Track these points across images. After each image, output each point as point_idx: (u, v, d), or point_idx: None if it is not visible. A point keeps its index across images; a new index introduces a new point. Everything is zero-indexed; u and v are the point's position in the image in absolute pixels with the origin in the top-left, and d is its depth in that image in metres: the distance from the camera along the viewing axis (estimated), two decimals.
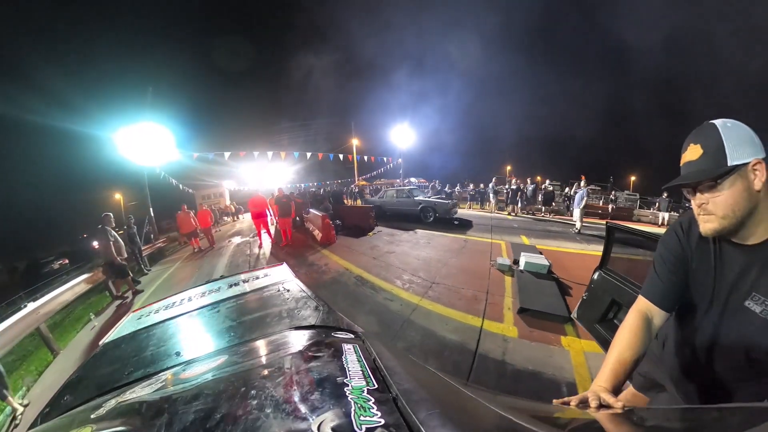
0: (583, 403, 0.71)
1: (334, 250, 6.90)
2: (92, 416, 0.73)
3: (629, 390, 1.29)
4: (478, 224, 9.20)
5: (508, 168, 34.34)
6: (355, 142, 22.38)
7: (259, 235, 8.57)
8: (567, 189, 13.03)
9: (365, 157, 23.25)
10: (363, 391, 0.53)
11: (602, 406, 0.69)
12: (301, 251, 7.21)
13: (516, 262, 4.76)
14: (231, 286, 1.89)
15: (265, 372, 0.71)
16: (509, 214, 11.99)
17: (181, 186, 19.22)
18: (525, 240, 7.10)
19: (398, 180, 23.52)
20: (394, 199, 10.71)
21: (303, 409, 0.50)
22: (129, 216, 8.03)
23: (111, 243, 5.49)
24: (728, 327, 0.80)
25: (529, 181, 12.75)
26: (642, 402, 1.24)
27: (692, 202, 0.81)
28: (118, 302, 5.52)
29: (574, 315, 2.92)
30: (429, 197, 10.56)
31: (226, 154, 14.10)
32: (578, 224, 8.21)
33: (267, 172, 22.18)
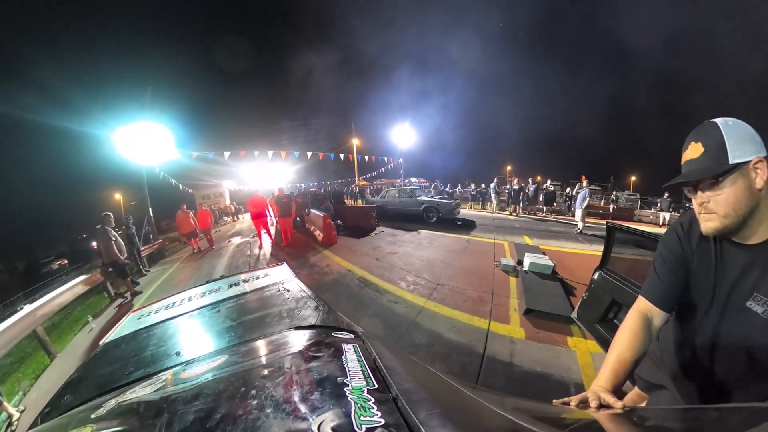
0: (583, 403, 0.71)
1: (336, 250, 6.86)
2: (92, 416, 0.73)
3: (634, 391, 1.29)
4: (480, 224, 9.18)
5: (509, 168, 34.37)
6: (355, 141, 22.42)
7: (259, 235, 8.53)
8: (568, 189, 13.03)
9: (366, 157, 23.30)
10: (363, 391, 0.53)
11: (602, 406, 0.69)
12: (302, 252, 7.18)
13: (520, 262, 4.75)
14: (231, 286, 1.89)
15: (265, 372, 0.71)
16: (511, 214, 11.97)
17: (180, 186, 19.23)
18: (528, 240, 7.09)
19: (399, 180, 23.55)
20: (396, 199, 10.67)
21: (303, 409, 0.50)
22: (128, 216, 8.03)
23: (112, 242, 5.47)
24: (729, 327, 0.80)
25: (530, 181, 12.76)
26: (642, 402, 1.24)
27: (693, 201, 0.80)
28: (116, 303, 5.51)
29: (574, 315, 2.92)
30: (431, 197, 10.53)
31: (226, 154, 14.13)
32: (580, 224, 8.22)
33: (267, 172, 22.20)
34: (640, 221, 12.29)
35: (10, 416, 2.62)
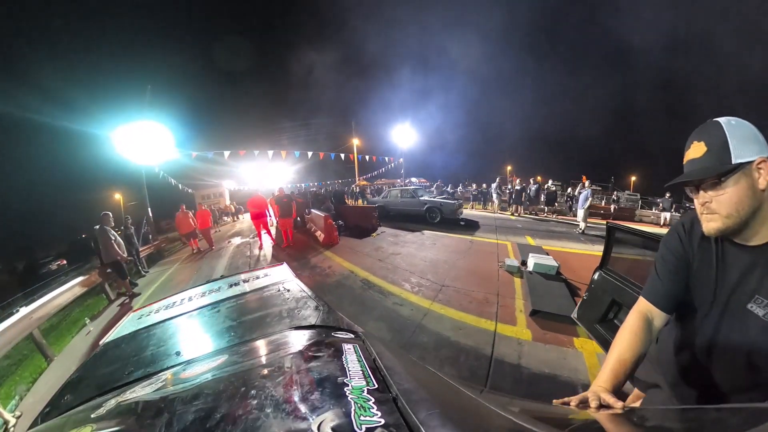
0: (583, 403, 0.71)
1: (337, 251, 6.83)
2: (92, 416, 0.73)
3: (635, 392, 1.29)
4: (482, 225, 9.19)
5: (509, 168, 34.38)
6: (355, 141, 22.42)
7: (259, 236, 8.50)
8: (569, 189, 13.02)
9: (366, 157, 23.30)
10: (363, 391, 0.53)
11: (602, 406, 0.68)
12: (303, 253, 7.14)
13: (524, 263, 4.73)
14: (231, 285, 1.89)
15: (265, 372, 0.71)
16: (512, 214, 11.99)
17: (180, 186, 19.24)
18: (530, 240, 7.08)
19: (399, 180, 23.55)
20: (398, 199, 10.64)
21: (303, 408, 0.50)
22: (126, 216, 8.01)
23: (112, 242, 5.44)
24: (728, 329, 0.79)
25: (531, 181, 12.75)
26: (637, 401, 1.24)
27: (695, 200, 0.80)
28: (115, 305, 5.46)
29: (574, 315, 2.91)
30: (434, 197, 10.51)
31: (226, 153, 14.10)
32: (582, 225, 8.23)
33: (267, 172, 22.19)
34: (641, 221, 12.29)
35: (6, 422, 2.55)
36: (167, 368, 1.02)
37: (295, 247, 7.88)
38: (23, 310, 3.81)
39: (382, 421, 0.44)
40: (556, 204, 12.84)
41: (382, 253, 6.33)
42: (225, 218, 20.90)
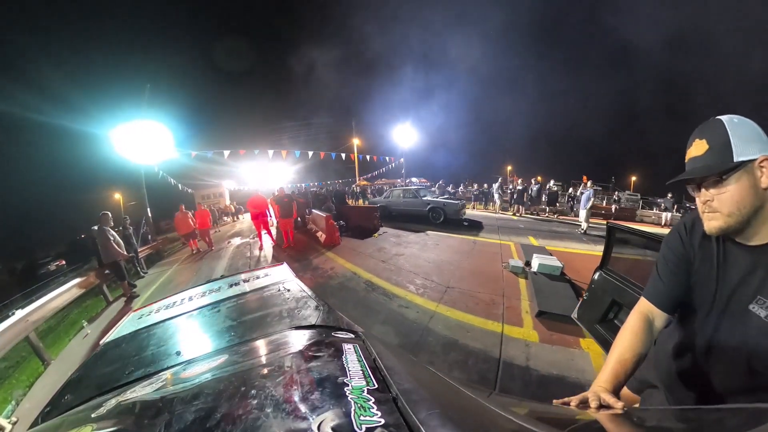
0: (584, 404, 0.71)
1: (339, 252, 6.76)
2: (93, 415, 0.73)
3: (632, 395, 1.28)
4: (485, 225, 9.17)
5: (509, 168, 34.37)
6: (356, 141, 22.41)
7: (259, 236, 8.45)
8: (570, 189, 13.02)
9: (367, 157, 23.27)
10: (363, 391, 0.53)
11: (602, 406, 0.68)
12: (304, 254, 7.07)
13: (528, 263, 4.72)
14: (231, 285, 1.89)
15: (265, 371, 0.71)
16: (514, 214, 12.00)
17: (180, 186, 19.22)
18: (533, 241, 7.07)
19: (400, 180, 23.52)
20: (400, 200, 10.57)
21: (303, 408, 0.50)
22: (125, 216, 7.99)
23: (111, 242, 5.42)
24: (729, 330, 0.78)
25: (533, 181, 12.75)
26: (634, 402, 1.23)
27: (697, 199, 0.79)
28: (113, 306, 5.41)
29: (574, 315, 2.91)
30: (437, 197, 10.46)
31: (226, 153, 14.08)
32: (584, 225, 8.24)
33: (267, 171, 22.17)
34: (642, 221, 12.28)
35: (2, 428, 2.48)
36: (167, 368, 1.02)
37: (295, 247, 7.85)
38: (19, 313, 3.73)
39: (382, 421, 0.44)
40: (557, 204, 12.84)
41: (384, 253, 6.27)
42: (225, 218, 20.91)
